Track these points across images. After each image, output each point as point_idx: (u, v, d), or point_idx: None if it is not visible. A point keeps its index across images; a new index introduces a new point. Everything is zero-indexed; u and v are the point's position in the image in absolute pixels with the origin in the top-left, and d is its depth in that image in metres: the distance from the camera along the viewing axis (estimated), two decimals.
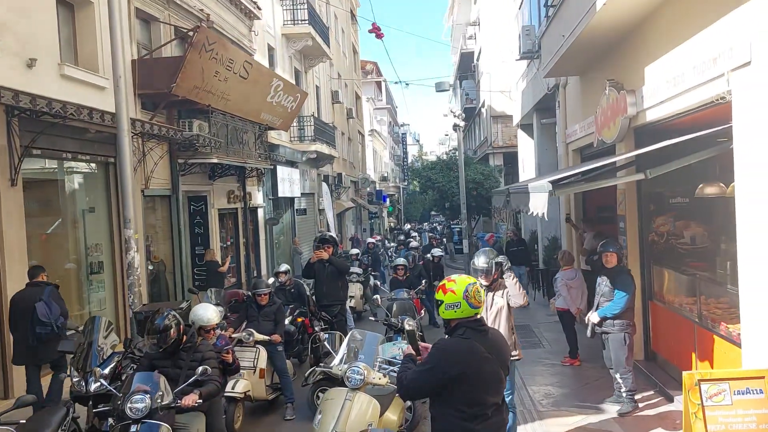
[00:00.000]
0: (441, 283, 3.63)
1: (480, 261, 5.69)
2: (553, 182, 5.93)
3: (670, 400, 6.86)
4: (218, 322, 6.11)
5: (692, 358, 6.74)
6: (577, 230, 11.05)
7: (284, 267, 10.06)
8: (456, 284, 3.54)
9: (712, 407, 4.61)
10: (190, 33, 11.39)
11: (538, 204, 5.86)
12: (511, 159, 25.99)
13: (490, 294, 5.63)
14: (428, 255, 14.21)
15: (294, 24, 20.19)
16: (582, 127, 10.32)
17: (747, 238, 5.04)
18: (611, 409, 6.75)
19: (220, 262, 13.09)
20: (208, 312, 5.84)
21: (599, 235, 10.18)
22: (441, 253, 13.61)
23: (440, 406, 3.43)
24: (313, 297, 9.69)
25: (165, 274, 12.27)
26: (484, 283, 5.57)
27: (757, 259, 4.88)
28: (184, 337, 5.18)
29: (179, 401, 4.77)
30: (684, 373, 4.79)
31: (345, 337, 8.21)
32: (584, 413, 6.64)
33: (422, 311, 9.89)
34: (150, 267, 11.53)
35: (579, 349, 8.82)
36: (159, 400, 4.63)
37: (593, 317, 6.85)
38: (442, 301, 3.52)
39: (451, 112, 21.91)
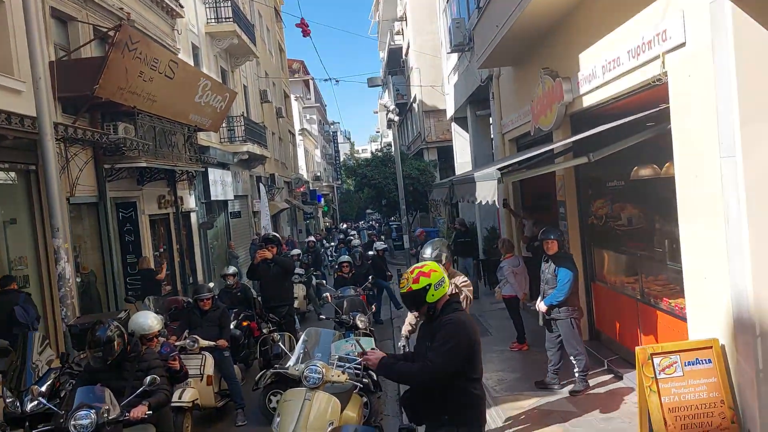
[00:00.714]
0: (413, 273, 3.58)
1: (427, 252, 5.61)
2: (500, 170, 5.95)
3: (618, 377, 7.06)
4: (160, 329, 5.84)
5: (637, 335, 6.95)
6: (516, 217, 11.23)
7: (232, 269, 9.78)
8: (429, 264, 3.63)
9: (665, 380, 4.74)
10: (111, 32, 10.86)
11: (487, 192, 5.88)
12: (445, 153, 26.31)
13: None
14: (370, 251, 14.14)
15: (218, 22, 19.67)
16: (518, 117, 10.49)
17: (687, 215, 5.22)
18: (563, 390, 6.88)
19: (155, 270, 12.56)
20: (148, 319, 5.59)
21: (539, 222, 10.40)
22: (384, 246, 13.55)
23: (450, 379, 3.46)
24: (260, 299, 9.44)
25: (96, 285, 11.67)
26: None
27: (697, 235, 5.06)
28: (128, 348, 4.91)
29: (127, 414, 4.51)
30: (637, 348, 4.92)
31: (294, 338, 8.07)
32: (538, 395, 6.74)
33: (372, 307, 9.80)
34: (79, 279, 10.93)
35: (526, 334, 8.97)
36: (105, 415, 4.35)
37: (541, 306, 6.95)
38: (429, 284, 3.52)
39: (385, 107, 21.91)
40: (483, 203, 6.12)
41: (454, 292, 5.33)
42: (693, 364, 4.74)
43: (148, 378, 4.68)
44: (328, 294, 9.08)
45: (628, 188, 7.72)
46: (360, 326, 7.69)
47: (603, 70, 6.51)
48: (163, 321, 8.32)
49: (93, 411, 4.29)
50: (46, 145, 7.58)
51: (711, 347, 4.75)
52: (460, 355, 3.46)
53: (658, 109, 5.65)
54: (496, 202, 5.66)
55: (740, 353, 4.55)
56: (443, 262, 5.54)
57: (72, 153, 10.50)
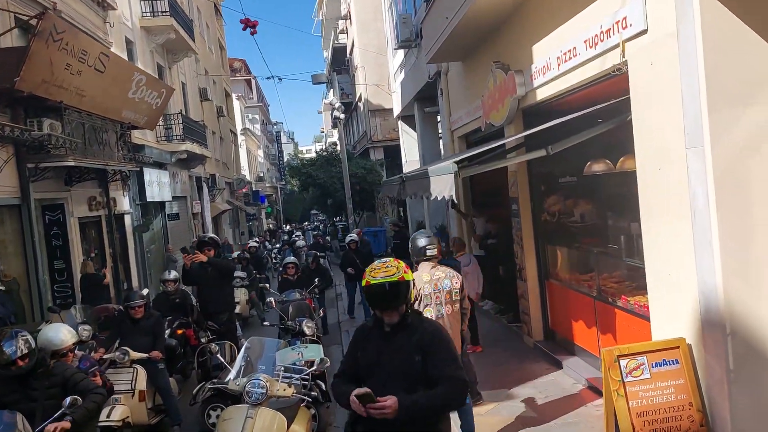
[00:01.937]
0: (402, 266, 3.20)
1: (423, 242, 5.25)
2: (457, 163, 5.63)
3: (576, 378, 6.86)
4: (75, 342, 5.21)
5: (594, 334, 6.76)
6: (466, 218, 11.01)
7: (173, 274, 9.14)
8: (395, 265, 3.22)
9: (632, 383, 4.51)
10: (34, 21, 10.03)
11: (443, 187, 5.56)
12: (392, 152, 26.04)
13: (441, 274, 5.21)
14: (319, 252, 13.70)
15: (154, 16, 18.80)
16: (467, 113, 10.25)
17: (650, 210, 5.01)
18: (521, 393, 6.63)
19: (100, 275, 11.84)
20: (59, 333, 4.99)
21: (490, 219, 10.21)
22: (357, 239, 13.04)
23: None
24: (198, 305, 8.85)
25: (19, 293, 10.78)
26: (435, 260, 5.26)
27: (661, 230, 4.86)
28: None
29: None
30: (603, 350, 4.67)
31: (235, 346, 7.54)
32: (497, 401, 6.45)
33: (320, 311, 9.34)
34: (1, 287, 10.06)
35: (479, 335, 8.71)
36: None
37: None
38: (411, 281, 3.20)
39: (331, 105, 21.46)
40: (438, 198, 5.78)
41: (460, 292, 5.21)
42: (660, 366, 4.53)
43: (68, 399, 4.14)
44: (272, 299, 8.57)
45: (581, 184, 7.56)
46: (307, 333, 7.24)
47: (558, 61, 6.29)
48: (91, 332, 7.70)
49: None
50: None
51: (678, 347, 4.55)
52: None
53: (618, 99, 5.44)
54: (453, 197, 5.34)
55: (709, 353, 4.35)
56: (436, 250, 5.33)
57: None
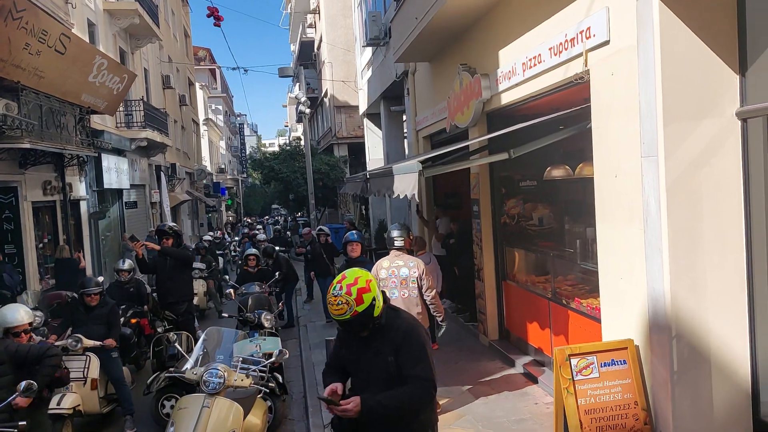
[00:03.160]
0: (353, 294, 3.02)
1: (395, 233, 6.08)
2: (421, 162, 5.72)
3: (529, 377, 7.03)
4: (32, 322, 5.13)
5: (548, 334, 6.94)
6: (427, 225, 11.12)
7: (128, 263, 9.00)
8: (360, 275, 3.12)
9: (581, 381, 4.67)
10: None
11: (406, 186, 5.63)
12: (356, 149, 26.08)
13: (401, 262, 5.94)
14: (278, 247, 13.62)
15: None
16: (433, 114, 10.36)
17: (605, 215, 5.19)
18: (475, 390, 6.76)
19: (76, 259, 11.67)
20: (17, 312, 4.91)
21: (453, 219, 10.35)
22: (328, 232, 12.89)
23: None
24: (154, 295, 8.74)
25: None
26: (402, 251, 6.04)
27: (614, 235, 5.03)
28: None
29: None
30: (555, 348, 4.82)
31: (192, 337, 7.49)
32: (451, 396, 6.56)
33: (280, 304, 9.30)
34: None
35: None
36: None
37: None
38: (374, 297, 3.06)
39: (296, 99, 21.33)
40: (401, 197, 5.86)
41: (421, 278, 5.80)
42: (609, 365, 4.70)
43: (23, 384, 4.12)
44: (231, 290, 8.52)
45: (540, 188, 7.76)
46: (266, 325, 7.23)
47: (523, 67, 6.43)
48: (43, 318, 7.54)
49: None
50: None
51: (626, 348, 4.72)
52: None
53: (580, 107, 5.61)
54: (416, 197, 5.42)
55: (655, 354, 4.54)
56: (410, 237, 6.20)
57: None
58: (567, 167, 6.97)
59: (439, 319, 6.05)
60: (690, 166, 4.30)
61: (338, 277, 3.11)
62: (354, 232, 7.36)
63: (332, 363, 3.45)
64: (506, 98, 7.17)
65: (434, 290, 5.96)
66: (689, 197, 4.32)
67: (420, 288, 5.84)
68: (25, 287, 10.54)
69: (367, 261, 7.08)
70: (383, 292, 3.24)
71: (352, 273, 3.12)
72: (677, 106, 4.27)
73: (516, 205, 8.25)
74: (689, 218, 4.32)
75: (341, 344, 3.37)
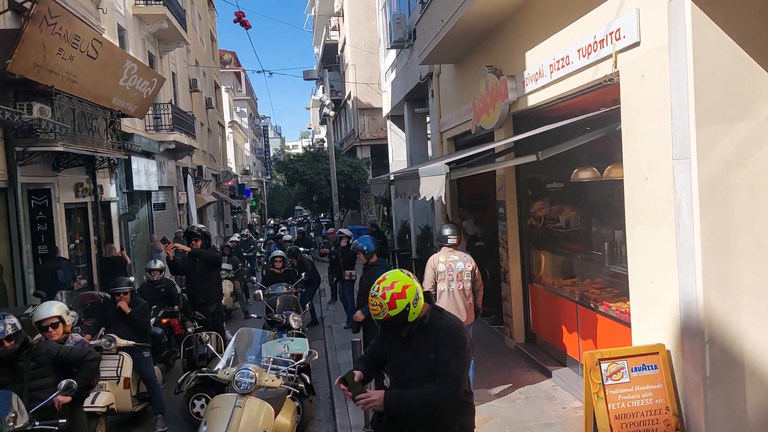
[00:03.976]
0: (386, 298, 3.11)
1: (447, 231, 6.53)
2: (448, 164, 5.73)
3: (556, 380, 6.99)
4: (61, 316, 5.19)
5: (575, 338, 6.90)
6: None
7: (159, 264, 9.15)
8: (398, 279, 3.18)
9: (612, 386, 4.64)
10: (28, 4, 9.96)
11: (432, 188, 5.65)
12: (379, 151, 26.12)
13: (455, 257, 6.43)
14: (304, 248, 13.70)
15: (147, 4, 18.71)
16: (457, 115, 10.36)
17: (635, 218, 5.15)
18: (502, 393, 6.75)
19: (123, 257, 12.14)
20: (51, 308, 5.05)
21: (479, 221, 10.32)
22: (348, 234, 12.85)
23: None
24: (185, 296, 8.87)
25: (2, 277, 10.72)
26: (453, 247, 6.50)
27: (645, 238, 4.99)
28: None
29: (36, 423, 4.01)
30: (585, 353, 4.79)
31: (222, 337, 7.59)
32: (476, 399, 6.52)
33: (306, 305, 9.37)
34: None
35: None
36: (11, 423, 3.84)
37: (358, 314, 7.13)
38: (409, 303, 3.12)
39: (321, 101, 21.46)
40: (427, 199, 5.88)
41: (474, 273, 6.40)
42: (639, 370, 4.66)
43: (64, 382, 4.24)
44: (259, 291, 8.61)
45: (567, 190, 7.71)
46: (294, 326, 7.29)
47: (551, 68, 6.41)
48: (77, 318, 7.69)
49: None
50: None
51: (657, 353, 4.68)
52: (469, 361, 3.23)
53: (609, 108, 5.57)
54: (443, 198, 5.44)
55: (687, 359, 4.49)
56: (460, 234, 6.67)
57: None
58: (594, 169, 6.92)
59: (479, 304, 6.70)
60: (724, 168, 4.25)
61: (380, 278, 3.22)
62: (366, 237, 7.46)
63: (367, 354, 3.57)
64: (533, 100, 7.15)
65: (482, 284, 6.65)
66: (723, 200, 4.27)
67: (474, 281, 6.47)
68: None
69: (384, 265, 7.11)
70: (428, 293, 3.32)
71: (392, 276, 3.19)
72: (710, 107, 4.22)
73: (542, 207, 8.21)
74: (723, 221, 4.28)
75: (383, 340, 3.45)
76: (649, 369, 4.67)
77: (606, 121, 5.83)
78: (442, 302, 6.26)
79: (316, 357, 5.38)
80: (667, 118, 4.52)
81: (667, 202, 4.60)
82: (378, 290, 3.14)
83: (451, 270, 6.41)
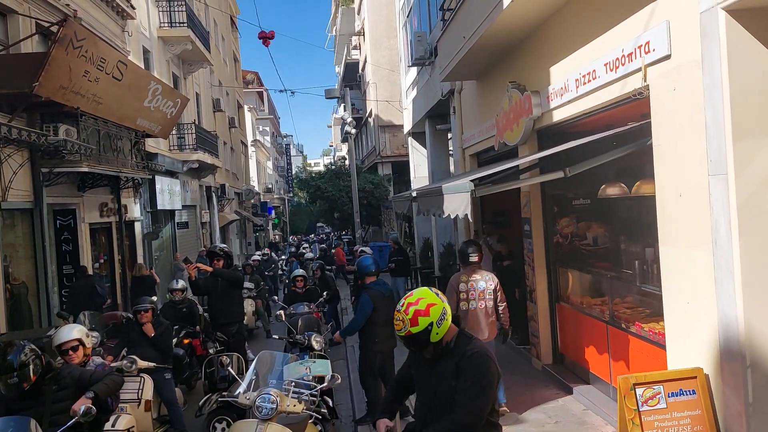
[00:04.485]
0: (409, 314, 3.07)
1: (470, 249, 6.57)
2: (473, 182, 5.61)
3: (586, 404, 6.76)
4: (80, 339, 5.09)
5: (606, 360, 6.68)
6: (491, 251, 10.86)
7: (180, 283, 9.13)
8: (425, 297, 3.12)
9: (647, 412, 4.44)
10: (55, 27, 10.12)
11: (457, 206, 5.53)
12: (400, 168, 26.07)
13: (477, 276, 6.48)
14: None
15: (171, 26, 18.98)
16: (480, 132, 10.25)
17: (669, 236, 4.96)
18: (531, 417, 6.54)
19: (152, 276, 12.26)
20: (70, 331, 4.97)
21: (502, 238, 10.15)
22: (369, 252, 12.75)
23: None
24: (206, 316, 8.82)
25: (27, 297, 10.78)
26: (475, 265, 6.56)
27: (680, 257, 4.80)
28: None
29: None
30: (619, 377, 4.60)
31: (243, 358, 7.49)
32: (504, 423, 6.34)
33: (329, 326, 9.27)
34: (10, 290, 10.09)
35: None
36: None
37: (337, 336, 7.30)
38: (432, 323, 3.05)
39: (342, 119, 21.52)
40: (452, 217, 5.76)
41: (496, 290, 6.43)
42: (677, 395, 4.46)
43: (83, 408, 4.14)
44: (281, 312, 8.52)
45: (594, 207, 7.52)
46: (316, 347, 7.17)
47: (577, 83, 6.27)
48: (99, 339, 7.67)
49: None
50: None
51: (695, 377, 4.47)
52: (495, 388, 3.10)
53: (639, 123, 5.42)
54: (468, 216, 5.31)
55: (727, 384, 4.28)
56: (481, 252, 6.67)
57: (5, 154, 9.70)
58: (623, 185, 6.73)
59: (506, 325, 6.69)
60: (763, 183, 4.07)
61: (408, 294, 3.21)
62: (366, 257, 7.43)
63: (397, 379, 3.55)
64: (558, 115, 7.01)
65: (505, 302, 6.63)
66: (762, 216, 4.08)
67: (495, 300, 6.49)
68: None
69: (370, 290, 6.83)
70: (456, 317, 3.24)
71: (419, 293, 3.16)
72: (747, 121, 4.06)
73: (569, 224, 8.03)
74: (763, 239, 4.09)
75: (410, 362, 3.41)
76: (686, 394, 4.46)
77: (635, 136, 5.67)
78: (464, 320, 6.22)
79: (339, 381, 5.25)
80: (702, 132, 4.36)
81: (702, 220, 4.41)
82: (402, 305, 3.11)
83: (472, 289, 6.45)
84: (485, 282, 6.47)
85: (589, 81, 5.99)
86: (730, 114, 4.06)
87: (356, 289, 12.33)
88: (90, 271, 12.19)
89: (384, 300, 6.72)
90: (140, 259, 15.80)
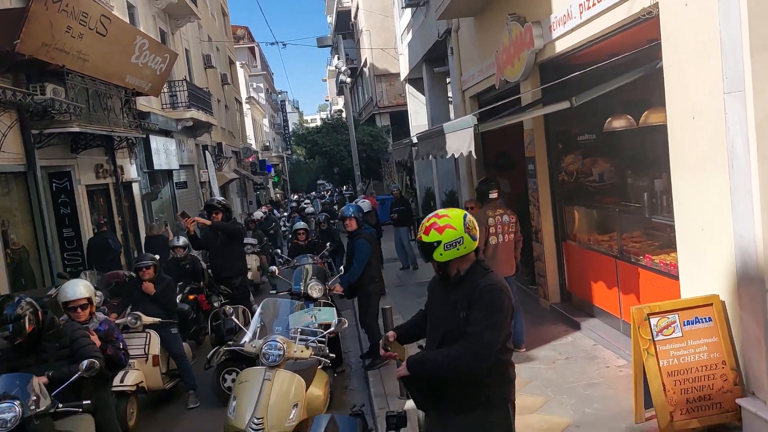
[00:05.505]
0: (429, 222, 3.06)
1: (487, 187, 6.75)
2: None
3: (596, 339, 6.71)
4: (90, 297, 4.97)
5: (616, 294, 6.59)
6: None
7: (182, 241, 9.00)
8: (451, 218, 3.03)
9: (663, 341, 4.34)
10: None
11: (461, 143, 5.34)
12: (398, 118, 25.69)
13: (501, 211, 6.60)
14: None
15: None
16: (480, 71, 9.94)
17: (681, 161, 4.77)
18: (540, 355, 6.50)
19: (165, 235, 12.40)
20: (76, 287, 4.81)
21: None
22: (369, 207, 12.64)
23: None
24: (209, 271, 8.73)
25: (29, 262, 10.70)
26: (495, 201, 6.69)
27: (693, 183, 4.63)
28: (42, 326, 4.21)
29: (59, 405, 3.85)
30: (632, 308, 4.49)
31: (249, 311, 7.42)
32: (516, 362, 6.30)
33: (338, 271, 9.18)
34: (10, 254, 9.97)
35: None
36: (33, 406, 3.69)
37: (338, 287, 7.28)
38: (439, 242, 2.99)
39: (336, 68, 21.04)
40: (456, 156, 5.57)
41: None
42: (692, 324, 4.35)
43: (85, 363, 4.03)
44: (275, 267, 8.45)
45: (600, 142, 7.32)
46: (314, 295, 7.02)
47: (580, 8, 5.98)
48: (102, 298, 7.58)
49: (18, 402, 3.63)
50: None
51: (711, 304, 4.36)
52: (508, 324, 2.96)
53: (646, 46, 5.16)
54: (473, 153, 5.12)
55: (745, 309, 4.16)
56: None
57: None
58: (629, 117, 6.52)
59: (518, 259, 6.90)
60: None
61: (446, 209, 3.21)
62: (350, 205, 7.81)
63: (412, 318, 3.47)
64: (561, 46, 6.73)
65: (521, 237, 6.90)
66: None
67: (516, 232, 6.69)
68: (85, 269, 10.73)
69: (363, 234, 7.10)
70: (477, 250, 3.12)
71: (451, 211, 3.11)
72: (765, 34, 3.81)
73: (574, 161, 7.83)
74: None
75: (428, 297, 3.33)
76: (702, 322, 4.36)
77: (643, 61, 5.42)
78: (493, 254, 6.39)
79: (346, 325, 5.16)
80: (716, 49, 4.12)
81: (717, 142, 4.22)
82: (431, 214, 3.13)
83: (498, 223, 6.58)
84: (508, 216, 6.64)
85: (594, 5, 5.70)
86: (748, 26, 3.81)
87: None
88: (89, 235, 12.08)
89: (375, 241, 7.24)
90: (141, 221, 15.68)
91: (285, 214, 24.49)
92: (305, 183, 55.66)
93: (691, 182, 4.65)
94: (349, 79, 19.78)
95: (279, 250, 11.87)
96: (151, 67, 14.22)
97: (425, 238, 3.04)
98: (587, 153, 7.68)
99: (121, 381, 5.90)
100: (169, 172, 18.51)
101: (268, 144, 53.27)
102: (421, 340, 3.36)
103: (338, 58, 22.06)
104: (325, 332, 5.10)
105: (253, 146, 41.62)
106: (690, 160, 4.63)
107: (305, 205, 20.83)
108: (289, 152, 63.21)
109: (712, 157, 4.31)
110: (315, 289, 7.21)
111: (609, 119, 6.72)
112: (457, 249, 2.99)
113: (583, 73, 5.96)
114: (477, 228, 3.10)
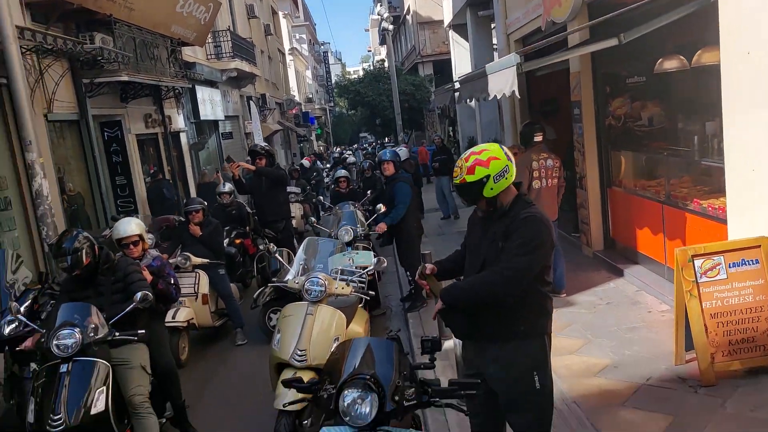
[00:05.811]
0: (469, 162, 2.95)
1: (531, 130, 6.62)
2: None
3: (640, 285, 6.66)
4: (141, 234, 5.14)
5: (661, 240, 6.49)
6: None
7: (228, 187, 9.22)
8: (491, 150, 2.98)
9: (706, 283, 4.29)
10: None
11: (504, 84, 5.26)
12: (441, 67, 25.28)
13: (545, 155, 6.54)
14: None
15: None
16: (525, 13, 9.65)
17: (733, 100, 4.61)
18: (581, 300, 6.50)
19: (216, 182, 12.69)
20: (128, 224, 5.00)
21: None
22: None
23: (529, 284, 2.95)
24: (255, 216, 8.94)
25: (84, 207, 11.13)
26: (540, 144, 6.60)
27: (746, 123, 4.47)
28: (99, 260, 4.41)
29: (116, 333, 4.08)
30: (676, 249, 4.43)
31: (292, 253, 7.60)
32: (555, 306, 6.30)
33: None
34: (66, 199, 10.40)
35: None
36: (92, 334, 3.92)
37: (381, 226, 7.18)
38: (488, 176, 2.92)
39: (379, 15, 20.72)
40: (498, 97, 5.49)
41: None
42: (738, 266, 4.28)
43: (139, 294, 4.22)
44: (313, 219, 8.65)
45: (649, 85, 7.08)
46: (346, 238, 7.06)
47: None
48: (154, 241, 7.87)
49: (78, 330, 3.84)
50: (10, 50, 6.85)
51: (759, 246, 4.27)
52: (546, 255, 2.95)
53: None
54: (516, 93, 5.03)
55: None
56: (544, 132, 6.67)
57: (45, 65, 9.69)
58: (682, 57, 6.27)
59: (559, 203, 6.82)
60: None
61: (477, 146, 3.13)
62: (387, 150, 7.96)
63: (457, 252, 3.46)
64: None
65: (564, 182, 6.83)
66: None
67: (559, 177, 6.62)
68: (136, 211, 11.15)
69: (401, 177, 7.20)
70: (519, 183, 3.10)
71: (486, 146, 3.04)
72: None
73: (622, 105, 7.61)
74: None
75: (467, 231, 3.32)
76: (749, 264, 4.28)
77: None
78: (536, 199, 6.18)
79: (385, 264, 5.26)
80: None
81: None
82: (466, 154, 3.03)
83: (542, 167, 6.52)
84: (552, 160, 6.55)
85: None
86: None
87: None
88: (141, 184, 12.45)
89: (412, 186, 7.33)
90: (189, 170, 16.04)
91: (328, 165, 24.66)
92: (347, 136, 55.64)
93: (744, 121, 4.50)
94: (391, 27, 19.46)
95: (321, 197, 12.05)
96: (195, 17, 14.28)
97: (470, 178, 2.94)
98: (636, 96, 7.44)
99: (173, 317, 6.18)
100: (215, 123, 18.77)
101: (311, 96, 53.22)
102: (459, 277, 3.40)
103: (381, 5, 21.67)
104: (365, 271, 5.20)
105: (297, 98, 41.68)
106: (743, 98, 4.47)
107: (347, 155, 20.89)
108: (332, 104, 63.09)
109: (765, 94, 4.15)
110: (346, 232, 7.23)
111: (660, 60, 6.48)
112: (506, 178, 2.95)
113: (634, 9, 5.73)
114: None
